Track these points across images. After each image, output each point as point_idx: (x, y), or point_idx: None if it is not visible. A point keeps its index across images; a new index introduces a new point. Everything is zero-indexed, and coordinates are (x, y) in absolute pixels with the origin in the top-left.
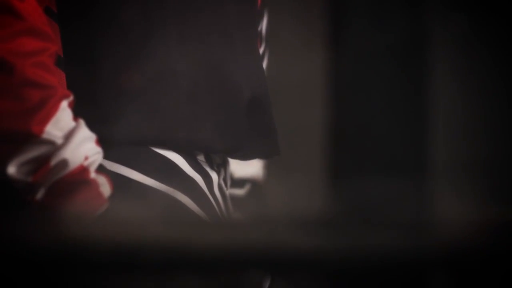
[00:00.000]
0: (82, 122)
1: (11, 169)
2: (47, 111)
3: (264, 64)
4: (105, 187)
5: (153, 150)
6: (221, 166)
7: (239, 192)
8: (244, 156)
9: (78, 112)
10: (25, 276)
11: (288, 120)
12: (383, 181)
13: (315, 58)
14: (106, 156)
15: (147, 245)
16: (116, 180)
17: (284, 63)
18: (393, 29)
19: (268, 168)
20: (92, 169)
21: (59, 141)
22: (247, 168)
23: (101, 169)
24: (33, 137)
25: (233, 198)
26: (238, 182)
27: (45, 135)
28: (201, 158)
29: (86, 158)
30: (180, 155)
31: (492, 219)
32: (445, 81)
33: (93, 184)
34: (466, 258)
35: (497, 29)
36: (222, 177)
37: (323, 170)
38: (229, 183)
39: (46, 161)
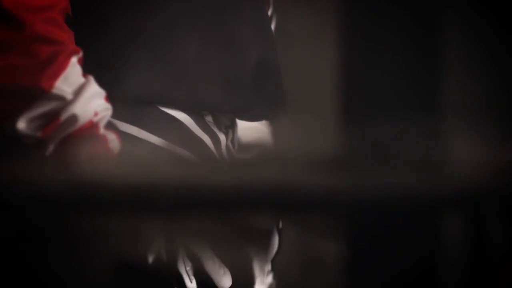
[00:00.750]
0: (91, 78)
1: (21, 125)
2: (57, 67)
3: (273, 27)
4: (114, 143)
5: (161, 110)
6: (229, 128)
7: (247, 157)
8: (252, 117)
9: (86, 70)
10: (39, 218)
11: (300, 61)
12: (395, 120)
13: (325, 11)
14: (113, 115)
15: (158, 185)
16: (124, 138)
17: (293, 21)
18: None
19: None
20: (102, 125)
21: (68, 96)
22: (255, 134)
23: (110, 125)
24: (42, 93)
25: None
26: (246, 148)
27: (55, 90)
28: (209, 119)
29: (96, 114)
30: (188, 115)
31: (505, 159)
32: (458, 23)
33: (102, 139)
34: (478, 197)
35: None
36: (230, 139)
37: (335, 109)
38: (236, 146)
39: (56, 116)
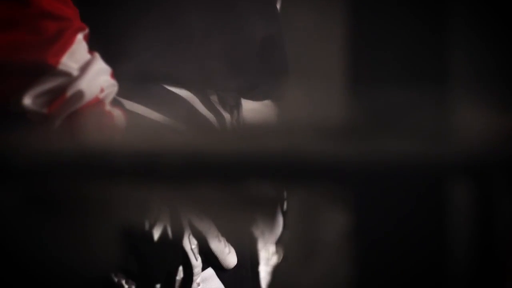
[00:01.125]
0: (97, 55)
1: (27, 101)
2: (63, 43)
3: (278, 4)
4: (120, 120)
5: (166, 88)
6: (234, 108)
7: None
8: (257, 96)
9: (92, 47)
10: (44, 187)
11: (307, 29)
12: (402, 88)
13: None
14: (118, 93)
15: (166, 152)
16: (129, 115)
17: None
18: None
19: (288, 76)
20: (107, 102)
21: (75, 72)
22: (259, 116)
23: (115, 102)
24: (49, 69)
25: None
26: (250, 128)
27: (61, 66)
28: (214, 98)
29: (102, 90)
30: (193, 93)
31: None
32: None
33: (108, 116)
34: (485, 165)
35: None
36: (235, 118)
37: (342, 78)
38: (241, 125)
39: (62, 92)
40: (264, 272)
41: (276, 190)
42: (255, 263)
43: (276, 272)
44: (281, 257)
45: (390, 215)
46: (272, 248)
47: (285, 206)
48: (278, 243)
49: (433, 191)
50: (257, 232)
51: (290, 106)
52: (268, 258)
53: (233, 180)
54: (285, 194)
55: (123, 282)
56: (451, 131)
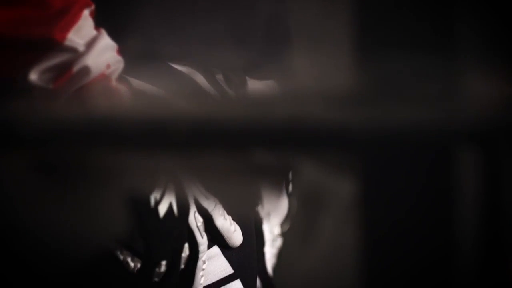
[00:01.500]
0: (103, 31)
1: (33, 76)
2: (70, 19)
3: None
4: (126, 96)
5: (172, 66)
6: (240, 87)
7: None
8: (262, 75)
9: (98, 24)
10: (51, 154)
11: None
12: (410, 55)
13: None
14: (123, 71)
15: (172, 119)
16: (134, 93)
17: None
18: None
19: (295, 44)
20: (114, 78)
21: (81, 48)
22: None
23: (121, 79)
24: (55, 44)
25: None
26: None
27: (67, 42)
28: (219, 77)
29: (108, 66)
30: (199, 72)
31: None
32: None
33: (114, 92)
34: (493, 131)
35: None
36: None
37: (350, 44)
38: None
39: (68, 68)
40: (270, 254)
41: (282, 158)
42: (260, 243)
43: (282, 253)
44: (287, 230)
45: (398, 182)
46: (277, 229)
47: (290, 188)
48: (283, 224)
49: (440, 157)
50: (262, 212)
51: (298, 74)
52: (273, 239)
53: (239, 148)
54: (290, 175)
55: (129, 259)
56: (458, 97)
